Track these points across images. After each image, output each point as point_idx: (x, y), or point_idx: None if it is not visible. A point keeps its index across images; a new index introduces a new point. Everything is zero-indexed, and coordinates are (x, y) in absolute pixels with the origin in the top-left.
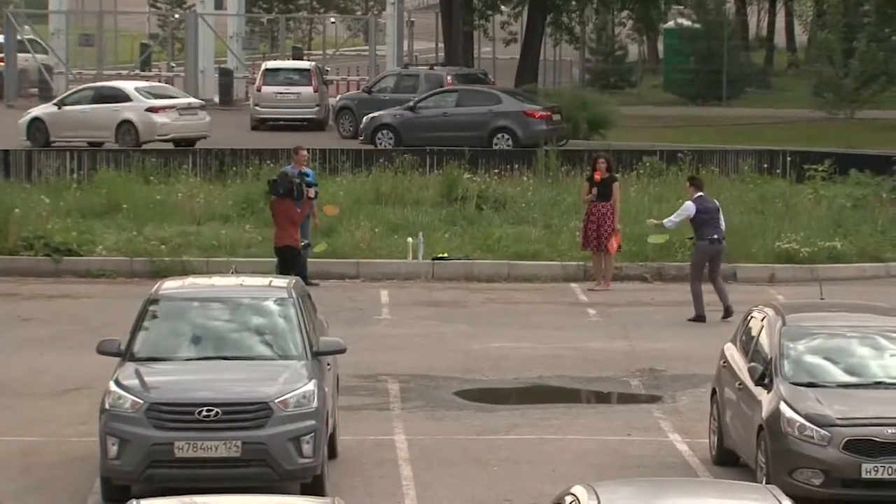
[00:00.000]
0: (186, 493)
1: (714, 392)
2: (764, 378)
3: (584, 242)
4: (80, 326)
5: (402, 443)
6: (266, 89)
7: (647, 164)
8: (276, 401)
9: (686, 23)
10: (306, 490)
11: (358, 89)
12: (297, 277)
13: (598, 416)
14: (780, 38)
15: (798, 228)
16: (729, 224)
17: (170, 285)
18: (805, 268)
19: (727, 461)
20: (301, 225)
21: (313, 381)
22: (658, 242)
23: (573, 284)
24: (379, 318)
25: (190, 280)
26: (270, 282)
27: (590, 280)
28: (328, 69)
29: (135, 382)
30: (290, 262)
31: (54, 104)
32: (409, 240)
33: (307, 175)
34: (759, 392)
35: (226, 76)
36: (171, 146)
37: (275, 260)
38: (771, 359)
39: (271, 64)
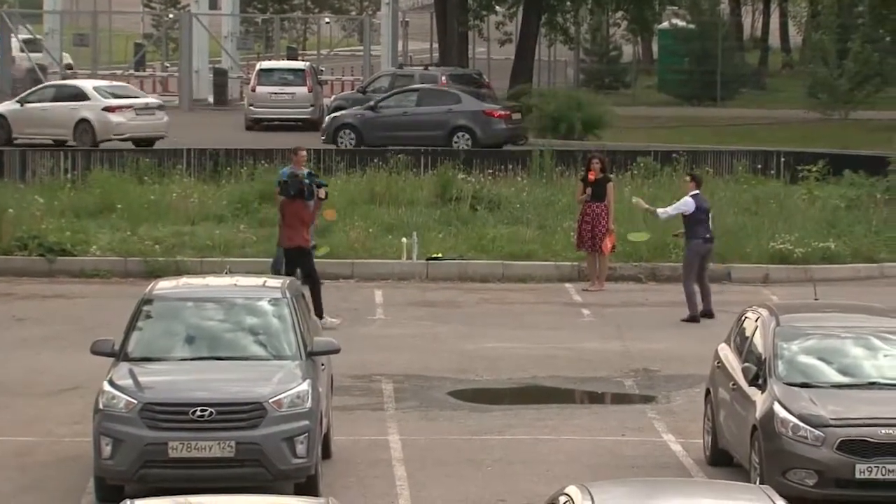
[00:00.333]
0: (180, 494)
1: (708, 392)
2: (758, 378)
3: (579, 243)
4: (74, 326)
5: (396, 443)
6: (260, 89)
7: (642, 164)
8: (270, 401)
9: (680, 23)
10: (300, 490)
11: (352, 89)
12: (292, 278)
13: (592, 417)
14: (774, 39)
15: (792, 229)
16: (723, 224)
17: (164, 285)
18: (799, 268)
19: (721, 461)
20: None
21: (307, 381)
22: (639, 241)
23: (567, 285)
24: (373, 318)
25: (184, 280)
26: (264, 282)
27: (584, 280)
28: (323, 69)
29: (129, 382)
30: (300, 262)
31: (17, 101)
32: (404, 240)
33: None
34: (753, 392)
35: (220, 76)
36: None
37: (269, 260)
38: (765, 359)
39: (266, 64)
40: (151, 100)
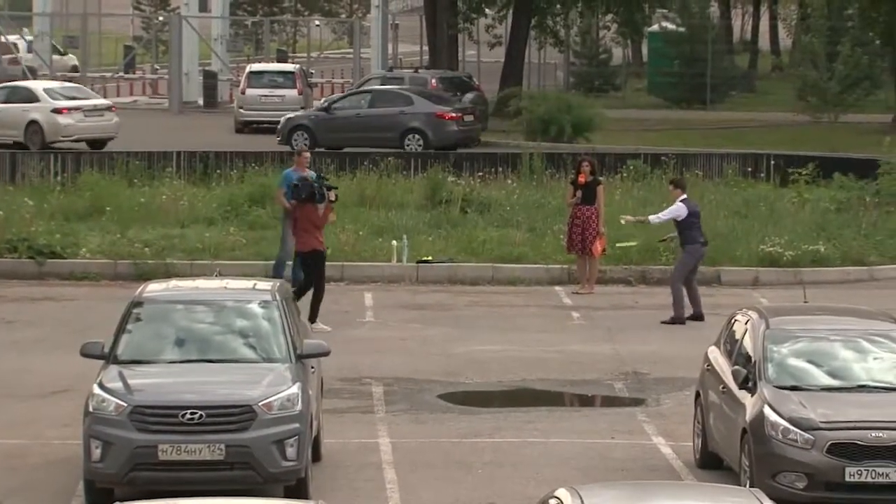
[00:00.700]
0: (170, 496)
1: (698, 395)
2: (748, 381)
3: (569, 246)
4: (63, 329)
5: (386, 446)
6: (250, 92)
7: (632, 167)
8: (260, 404)
9: (670, 26)
10: (290, 493)
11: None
12: (281, 280)
13: (582, 420)
14: (764, 42)
15: (782, 232)
16: (713, 227)
17: (154, 288)
18: (789, 271)
19: (711, 464)
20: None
21: (297, 384)
22: (628, 246)
23: (557, 287)
24: (363, 320)
25: (174, 283)
26: (254, 284)
27: (574, 283)
28: (313, 72)
29: (118, 385)
30: (315, 266)
31: None
32: (394, 243)
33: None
34: (743, 395)
35: (210, 78)
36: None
37: (258, 263)
38: (754, 362)
39: (256, 66)
40: (101, 101)
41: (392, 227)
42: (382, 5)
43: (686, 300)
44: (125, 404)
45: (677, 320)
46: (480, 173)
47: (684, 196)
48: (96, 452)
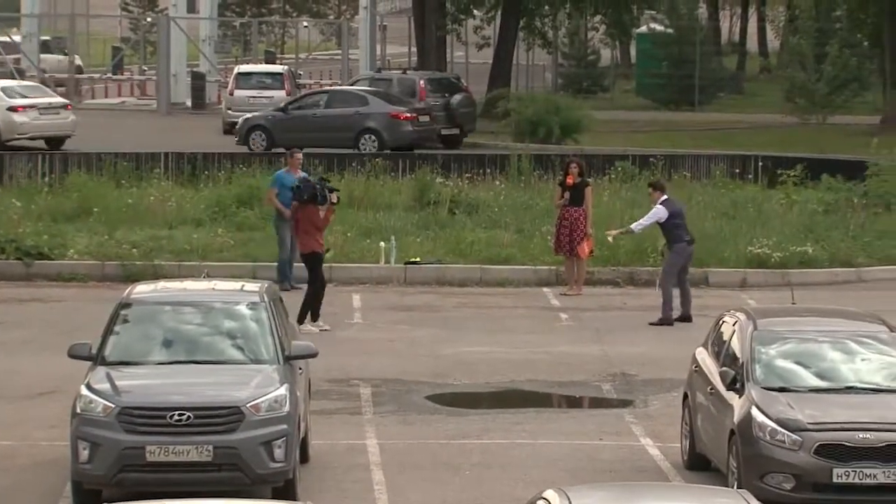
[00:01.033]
0: (158, 498)
1: (686, 396)
2: (735, 382)
3: (557, 247)
4: (51, 330)
5: (374, 447)
6: (238, 93)
7: (620, 168)
8: (248, 405)
9: (658, 28)
10: (278, 494)
11: None
12: (269, 282)
13: (570, 421)
14: (752, 44)
15: (770, 233)
16: (701, 229)
17: (141, 289)
18: (777, 272)
19: (699, 465)
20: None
21: (285, 385)
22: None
23: (545, 289)
24: (351, 322)
25: (162, 284)
26: (242, 286)
27: (562, 284)
28: (301, 73)
29: (106, 386)
30: (315, 267)
31: None
32: (382, 244)
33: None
34: (731, 397)
35: (198, 80)
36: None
37: (246, 264)
38: (742, 363)
39: (244, 67)
40: (57, 100)
41: (380, 228)
42: (371, 6)
43: (676, 301)
44: (113, 405)
45: (665, 321)
46: (468, 174)
47: (664, 197)
48: (84, 454)
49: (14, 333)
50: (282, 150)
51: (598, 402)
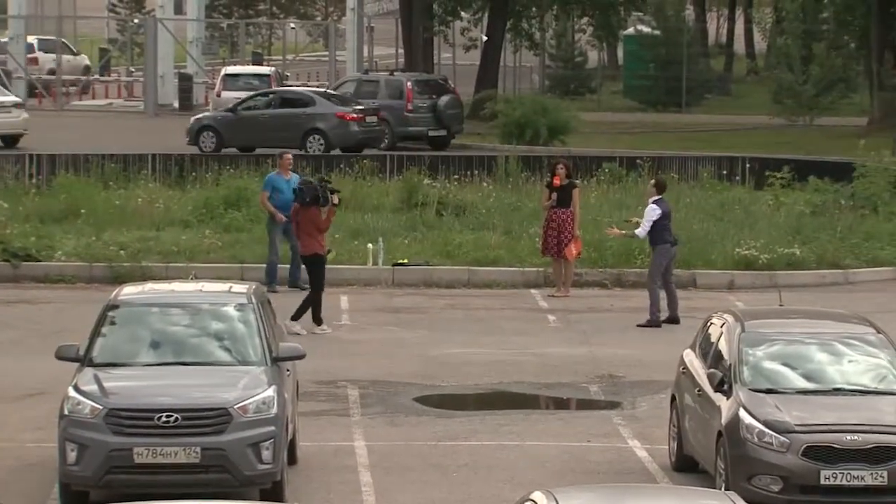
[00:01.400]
0: (146, 499)
1: (673, 398)
2: (723, 384)
3: (544, 249)
4: (38, 331)
5: (362, 449)
6: (226, 94)
7: (607, 170)
8: (236, 406)
9: (646, 29)
10: (266, 496)
11: None
12: (257, 283)
13: (558, 423)
14: (739, 45)
15: (757, 235)
16: (688, 230)
17: (129, 291)
18: (764, 274)
19: (686, 467)
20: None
21: (273, 386)
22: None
23: (533, 290)
24: (339, 323)
25: (149, 285)
26: (230, 287)
27: (550, 286)
28: (288, 74)
29: (94, 388)
30: (316, 269)
31: None
32: (369, 246)
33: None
34: (719, 398)
35: (185, 81)
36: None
37: (233, 266)
38: (730, 365)
39: (231, 69)
40: (9, 98)
41: (367, 229)
42: (358, 8)
43: (663, 303)
44: (100, 407)
45: (653, 323)
46: (456, 176)
47: (658, 197)
48: (72, 455)
49: (1, 335)
50: (232, 150)
51: (586, 404)
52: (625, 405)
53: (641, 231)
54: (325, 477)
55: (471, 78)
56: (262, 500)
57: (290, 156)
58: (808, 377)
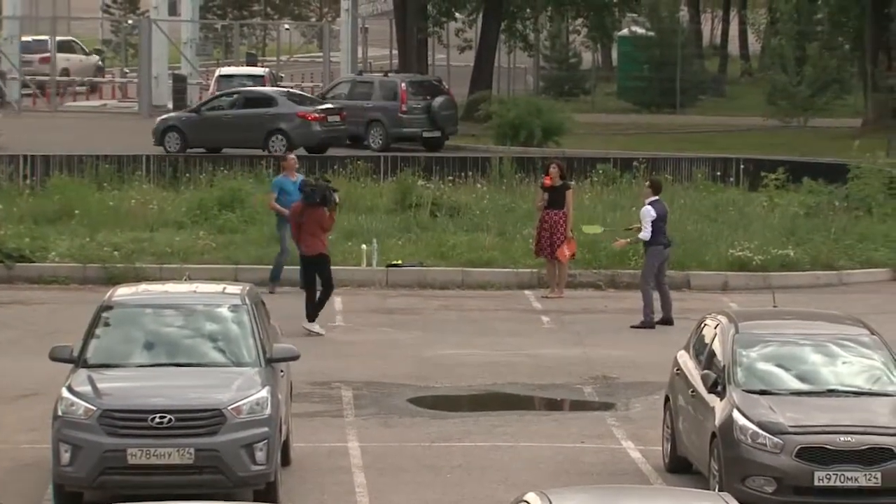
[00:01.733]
0: (139, 500)
1: (667, 399)
2: (717, 385)
3: (537, 250)
4: (32, 332)
5: (356, 450)
6: None
7: (601, 171)
8: (230, 407)
9: (640, 31)
10: (259, 497)
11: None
12: (251, 284)
13: (552, 424)
14: (733, 47)
15: (751, 236)
16: (682, 232)
17: (123, 292)
18: (758, 275)
19: (680, 468)
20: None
21: (266, 388)
22: (593, 233)
23: (527, 292)
24: (333, 325)
25: (143, 286)
26: (224, 288)
27: (543, 287)
28: (282, 75)
29: (88, 389)
30: (319, 268)
31: None
32: (364, 247)
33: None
34: (712, 400)
35: (179, 82)
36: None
37: (227, 267)
38: (724, 366)
39: (225, 70)
40: None
41: (361, 230)
42: (352, 9)
43: (656, 304)
44: (94, 408)
45: (647, 324)
46: (450, 177)
47: (654, 198)
48: (65, 456)
49: None
50: (199, 150)
51: (580, 405)
52: (619, 406)
53: (645, 234)
54: (319, 478)
55: (465, 79)
56: (255, 501)
57: (293, 157)
58: (801, 378)
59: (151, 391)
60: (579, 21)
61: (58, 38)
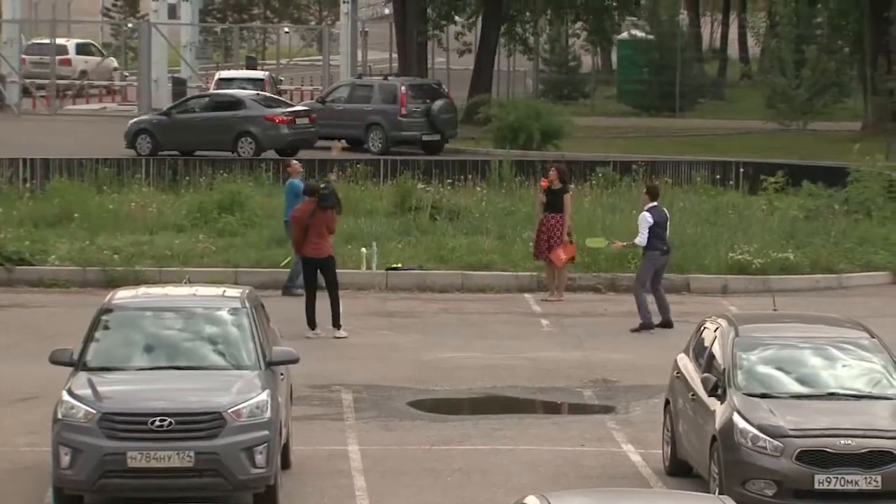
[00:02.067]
0: None
1: (667, 403)
2: (717, 389)
3: (536, 253)
4: (32, 335)
5: (356, 453)
6: None
7: (601, 174)
8: (229, 411)
9: (639, 34)
10: (259, 500)
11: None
12: (250, 287)
13: (552, 427)
14: (733, 50)
15: (751, 240)
16: (682, 235)
17: (123, 295)
18: (758, 279)
19: (680, 472)
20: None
21: (266, 391)
22: (597, 247)
23: (526, 295)
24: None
25: (143, 290)
26: (223, 292)
27: (543, 290)
28: (282, 79)
29: (87, 392)
30: (326, 271)
31: None
32: (363, 250)
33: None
34: (713, 403)
35: (179, 85)
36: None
37: (227, 270)
38: (724, 369)
39: (225, 73)
40: None
41: (361, 234)
42: (352, 12)
43: (652, 306)
44: (94, 411)
45: (645, 327)
46: (450, 180)
47: (652, 204)
48: (65, 459)
49: None
50: (172, 153)
51: (580, 409)
52: (618, 409)
53: (640, 239)
54: (319, 481)
55: (465, 82)
56: None
57: (296, 162)
58: (802, 381)
59: (151, 394)
60: (579, 24)
61: (77, 41)
